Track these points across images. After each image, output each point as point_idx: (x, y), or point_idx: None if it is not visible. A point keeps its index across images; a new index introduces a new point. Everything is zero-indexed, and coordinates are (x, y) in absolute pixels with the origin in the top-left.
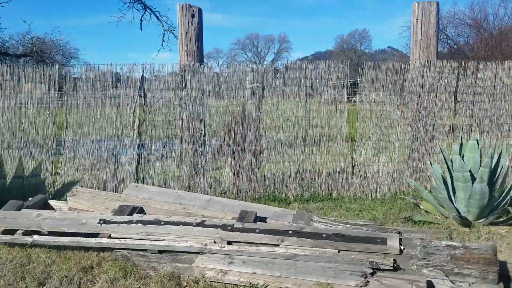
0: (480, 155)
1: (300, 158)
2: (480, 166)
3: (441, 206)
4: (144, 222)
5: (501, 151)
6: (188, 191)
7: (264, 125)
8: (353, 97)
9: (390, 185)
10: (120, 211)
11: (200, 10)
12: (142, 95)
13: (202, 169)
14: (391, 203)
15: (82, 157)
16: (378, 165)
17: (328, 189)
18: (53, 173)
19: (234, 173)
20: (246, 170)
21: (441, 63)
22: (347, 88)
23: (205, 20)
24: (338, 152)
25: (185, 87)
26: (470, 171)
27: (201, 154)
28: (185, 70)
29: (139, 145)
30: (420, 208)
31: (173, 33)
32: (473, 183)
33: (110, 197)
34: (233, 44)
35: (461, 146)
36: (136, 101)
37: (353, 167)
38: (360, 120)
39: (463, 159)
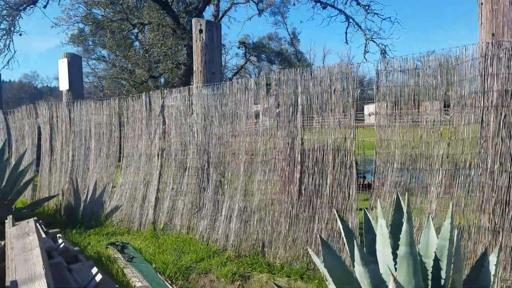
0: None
1: (294, 210)
2: None
3: None
4: None
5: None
6: (187, 233)
7: (257, 158)
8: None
9: None
10: None
11: (210, 23)
12: (162, 123)
13: (203, 208)
14: None
15: (126, 185)
16: None
17: None
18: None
19: (226, 218)
20: (235, 217)
21: None
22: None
23: None
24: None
25: (192, 113)
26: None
27: (204, 190)
28: (191, 94)
29: (159, 175)
30: None
31: (374, 41)
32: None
33: None
34: None
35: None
36: (155, 130)
37: None
38: (379, 155)
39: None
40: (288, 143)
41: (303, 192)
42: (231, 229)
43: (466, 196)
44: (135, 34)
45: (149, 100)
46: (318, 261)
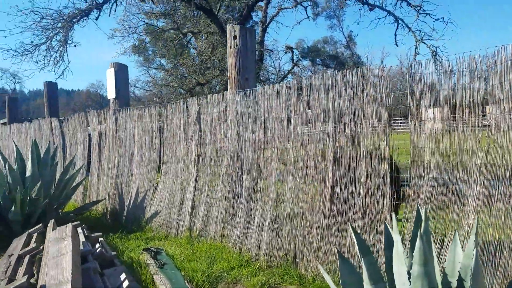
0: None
1: (326, 220)
2: None
3: None
4: None
5: None
6: (220, 240)
7: (289, 165)
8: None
9: None
10: None
11: (243, 28)
12: (198, 130)
13: (237, 216)
14: None
15: (165, 191)
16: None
17: None
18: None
19: (258, 226)
20: (267, 226)
21: None
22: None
23: None
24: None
25: (226, 119)
26: None
27: (237, 197)
28: (225, 100)
29: (195, 181)
30: None
31: (425, 43)
32: None
33: None
34: None
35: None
36: (192, 136)
37: None
38: (414, 163)
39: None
40: (319, 150)
41: (335, 201)
42: (263, 238)
43: (507, 208)
44: (186, 42)
45: (186, 107)
46: (329, 278)
